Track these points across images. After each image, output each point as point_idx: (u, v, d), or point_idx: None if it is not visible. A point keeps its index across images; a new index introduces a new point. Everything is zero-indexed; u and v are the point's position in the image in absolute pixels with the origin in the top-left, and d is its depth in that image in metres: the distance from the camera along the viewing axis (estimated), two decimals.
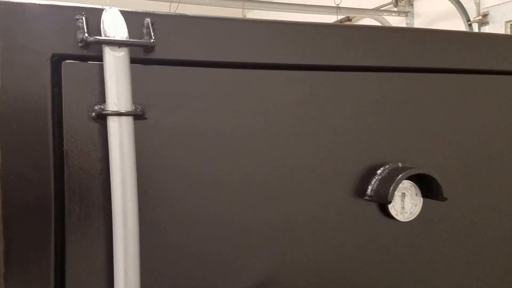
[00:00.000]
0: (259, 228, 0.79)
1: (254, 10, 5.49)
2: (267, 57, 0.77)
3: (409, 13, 3.77)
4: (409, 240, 0.91)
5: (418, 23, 3.72)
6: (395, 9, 3.87)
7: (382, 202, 0.87)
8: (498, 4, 2.90)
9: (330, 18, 4.28)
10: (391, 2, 3.88)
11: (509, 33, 2.87)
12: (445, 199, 0.88)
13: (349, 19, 4.65)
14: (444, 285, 0.93)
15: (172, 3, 3.76)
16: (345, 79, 0.85)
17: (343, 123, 0.85)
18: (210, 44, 0.70)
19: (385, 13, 3.91)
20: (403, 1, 3.78)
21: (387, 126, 0.89)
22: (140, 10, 0.64)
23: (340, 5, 3.69)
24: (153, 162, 0.68)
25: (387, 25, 3.95)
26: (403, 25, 3.83)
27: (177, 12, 0.79)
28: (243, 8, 3.97)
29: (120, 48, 0.57)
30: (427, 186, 0.90)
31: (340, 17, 4.33)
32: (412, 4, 3.77)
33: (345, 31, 0.85)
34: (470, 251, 0.96)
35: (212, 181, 0.74)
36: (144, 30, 0.63)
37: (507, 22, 2.87)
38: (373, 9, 3.99)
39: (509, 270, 1.00)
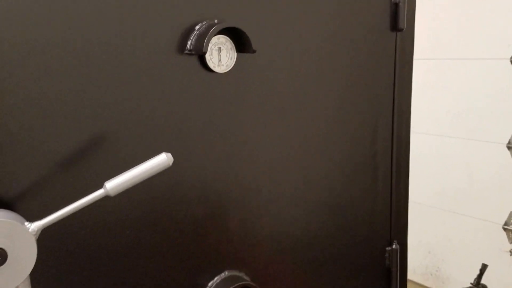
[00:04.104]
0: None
1: None
2: None
3: None
4: (226, 90, 1.03)
5: None
6: None
7: (200, 54, 0.97)
8: None
9: None
10: None
11: None
12: (254, 51, 1.01)
13: None
14: (257, 128, 1.09)
15: None
16: None
17: None
18: None
19: None
20: None
21: None
22: None
23: None
24: None
25: None
26: None
27: None
28: None
29: None
30: (241, 41, 1.02)
31: None
32: None
33: None
34: (278, 98, 1.11)
35: None
36: None
37: None
38: None
39: (310, 121, 1.18)
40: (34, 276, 0.79)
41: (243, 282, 1.04)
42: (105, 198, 0.80)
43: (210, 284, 1.02)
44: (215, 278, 1.03)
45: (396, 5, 1.20)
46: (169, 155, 0.82)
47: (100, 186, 0.79)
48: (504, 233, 2.94)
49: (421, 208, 3.46)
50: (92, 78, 0.87)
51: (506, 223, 2.93)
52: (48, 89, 0.82)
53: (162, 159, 0.82)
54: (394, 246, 1.33)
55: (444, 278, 3.47)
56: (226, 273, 1.05)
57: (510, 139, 2.90)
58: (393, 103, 1.33)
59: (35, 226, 0.76)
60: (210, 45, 0.97)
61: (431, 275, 3.53)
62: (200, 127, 1.01)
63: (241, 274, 1.07)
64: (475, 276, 2.32)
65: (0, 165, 0.79)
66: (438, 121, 3.38)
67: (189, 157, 0.99)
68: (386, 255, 1.32)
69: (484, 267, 2.31)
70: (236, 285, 1.02)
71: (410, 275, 1.53)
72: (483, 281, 2.32)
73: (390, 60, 1.29)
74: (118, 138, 0.90)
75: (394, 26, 1.22)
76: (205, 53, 0.96)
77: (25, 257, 0.76)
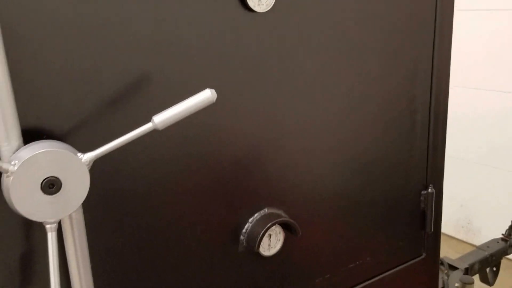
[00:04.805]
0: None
1: None
2: None
3: None
4: (266, 30, 1.03)
5: None
6: None
7: None
8: None
9: None
10: None
11: None
12: None
13: None
14: (296, 68, 1.09)
15: None
16: None
17: None
18: None
19: None
20: None
21: None
22: None
23: None
24: None
25: None
26: None
27: None
28: None
29: None
30: None
31: None
32: None
33: None
34: (318, 40, 1.11)
35: None
36: None
37: None
38: None
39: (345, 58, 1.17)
40: (86, 205, 0.83)
41: (282, 219, 1.07)
42: (154, 133, 0.82)
43: (250, 220, 1.06)
44: (255, 215, 1.06)
45: None
46: (213, 91, 0.84)
47: (148, 120, 0.82)
48: None
49: (454, 161, 3.44)
50: (138, 18, 0.88)
51: None
52: (99, 24, 0.84)
53: (207, 95, 0.83)
54: (429, 190, 1.34)
55: (476, 231, 3.47)
56: (266, 210, 1.08)
57: None
58: (433, 48, 1.31)
59: (88, 156, 0.80)
60: None
61: (463, 227, 3.54)
62: (240, 67, 1.01)
63: (280, 212, 1.10)
64: (506, 228, 2.31)
65: (54, 99, 0.82)
66: (473, 74, 3.30)
67: (229, 97, 1.01)
68: (422, 198, 1.33)
69: None
70: (275, 221, 1.05)
71: (441, 228, 1.54)
72: None
73: (431, 7, 1.27)
74: (164, 75, 0.92)
75: None
76: None
77: (78, 186, 0.80)
